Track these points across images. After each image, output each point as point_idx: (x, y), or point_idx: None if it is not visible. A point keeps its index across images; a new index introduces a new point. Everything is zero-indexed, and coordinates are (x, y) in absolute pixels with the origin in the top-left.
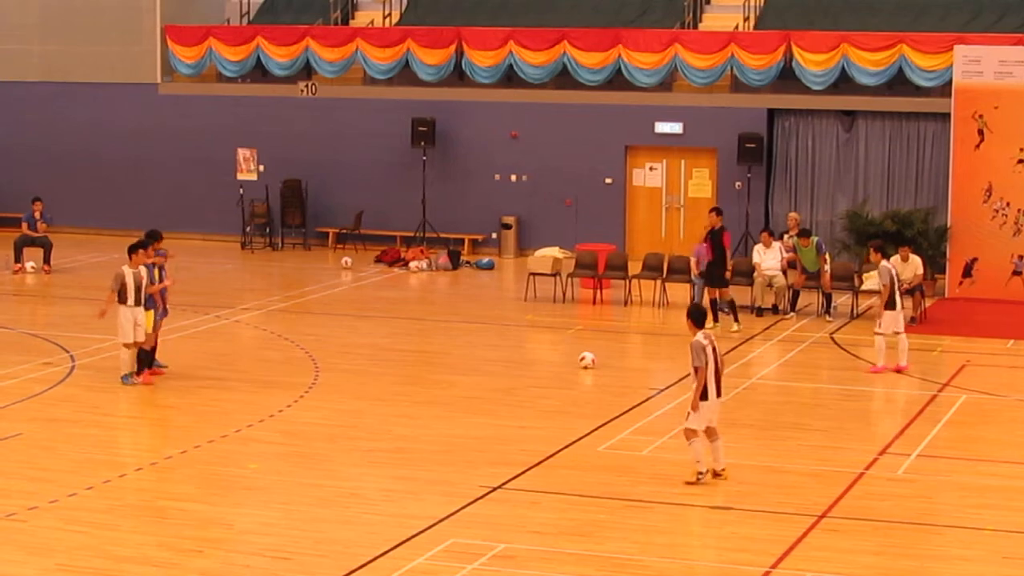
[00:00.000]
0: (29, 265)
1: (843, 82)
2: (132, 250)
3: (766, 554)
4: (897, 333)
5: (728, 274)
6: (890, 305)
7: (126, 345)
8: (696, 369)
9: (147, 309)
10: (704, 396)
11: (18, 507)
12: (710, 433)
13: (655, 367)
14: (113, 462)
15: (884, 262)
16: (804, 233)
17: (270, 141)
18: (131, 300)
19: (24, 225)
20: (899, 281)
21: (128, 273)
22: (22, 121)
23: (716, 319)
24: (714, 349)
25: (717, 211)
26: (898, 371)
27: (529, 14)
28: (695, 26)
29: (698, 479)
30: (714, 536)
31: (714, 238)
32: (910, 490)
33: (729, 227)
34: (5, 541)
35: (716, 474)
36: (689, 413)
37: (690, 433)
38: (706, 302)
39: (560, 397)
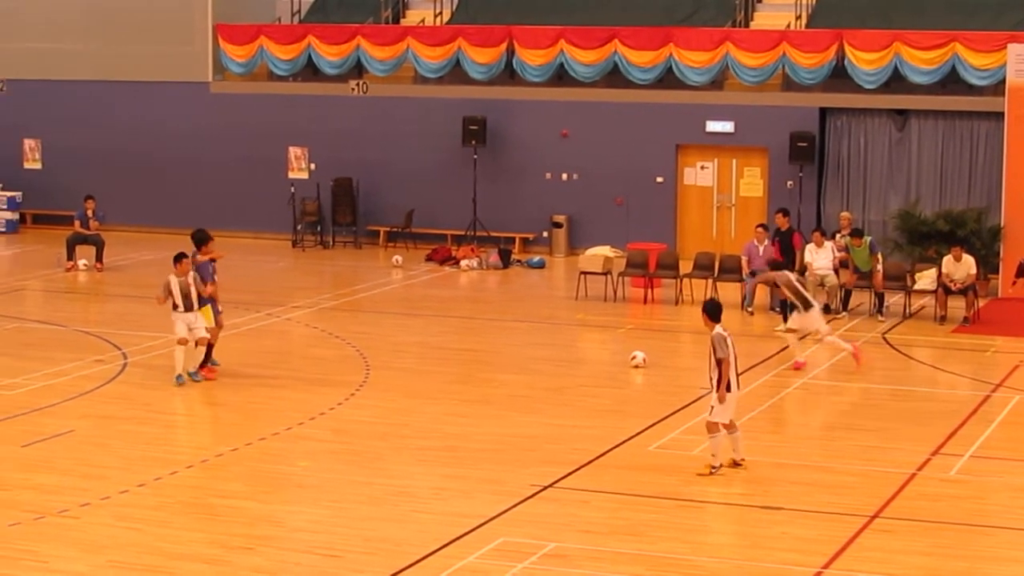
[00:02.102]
0: (81, 263)
1: (895, 81)
2: (177, 259)
3: (817, 554)
4: (792, 330)
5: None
6: (806, 306)
7: (179, 341)
8: (720, 361)
9: (201, 306)
10: (727, 388)
11: (70, 504)
12: (729, 425)
13: (706, 367)
14: (164, 459)
15: (786, 272)
16: (856, 233)
17: (321, 140)
18: (182, 307)
19: (76, 223)
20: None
21: (174, 282)
22: (75, 119)
23: (787, 319)
24: (732, 342)
25: (784, 212)
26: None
27: (580, 13)
28: (746, 25)
29: (711, 472)
30: (765, 536)
31: (782, 239)
32: (963, 491)
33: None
34: (58, 538)
35: (736, 463)
36: (713, 407)
37: (713, 427)
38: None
39: (611, 396)
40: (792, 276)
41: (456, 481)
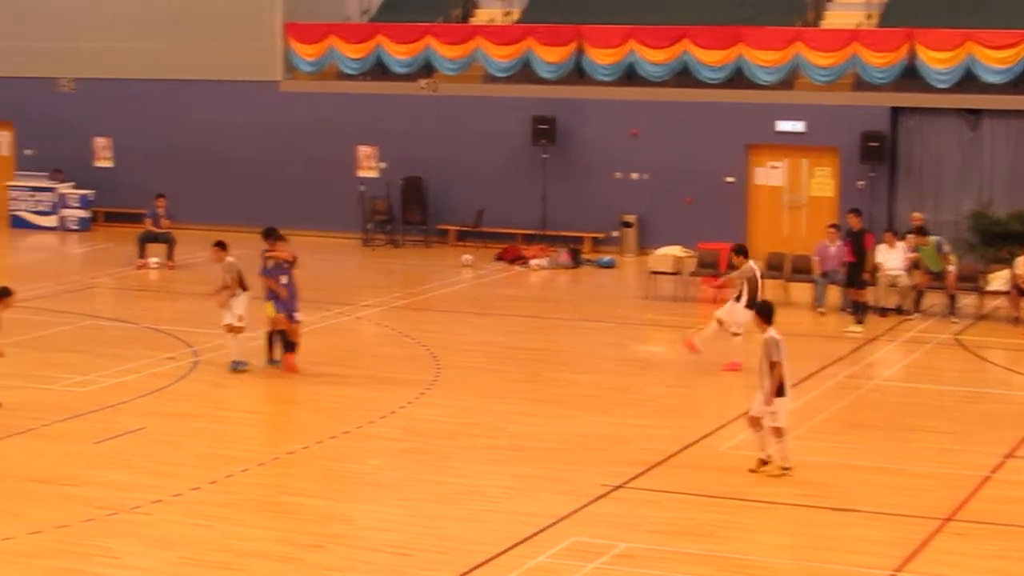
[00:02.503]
0: (152, 261)
1: (968, 80)
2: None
3: (889, 557)
4: (736, 334)
5: (868, 276)
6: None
7: (225, 328)
8: (773, 364)
9: (267, 300)
10: (781, 392)
11: (142, 500)
12: (756, 423)
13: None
14: (235, 457)
15: (749, 263)
16: (921, 231)
17: (390, 138)
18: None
19: (148, 221)
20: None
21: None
22: (145, 118)
23: (862, 320)
24: (784, 345)
25: (857, 212)
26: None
27: (649, 12)
28: (817, 24)
29: (782, 473)
30: (836, 538)
31: (855, 240)
32: None
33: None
34: (129, 534)
35: (764, 462)
36: (776, 412)
37: (779, 432)
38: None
39: (681, 396)
40: (757, 272)
41: (526, 480)
